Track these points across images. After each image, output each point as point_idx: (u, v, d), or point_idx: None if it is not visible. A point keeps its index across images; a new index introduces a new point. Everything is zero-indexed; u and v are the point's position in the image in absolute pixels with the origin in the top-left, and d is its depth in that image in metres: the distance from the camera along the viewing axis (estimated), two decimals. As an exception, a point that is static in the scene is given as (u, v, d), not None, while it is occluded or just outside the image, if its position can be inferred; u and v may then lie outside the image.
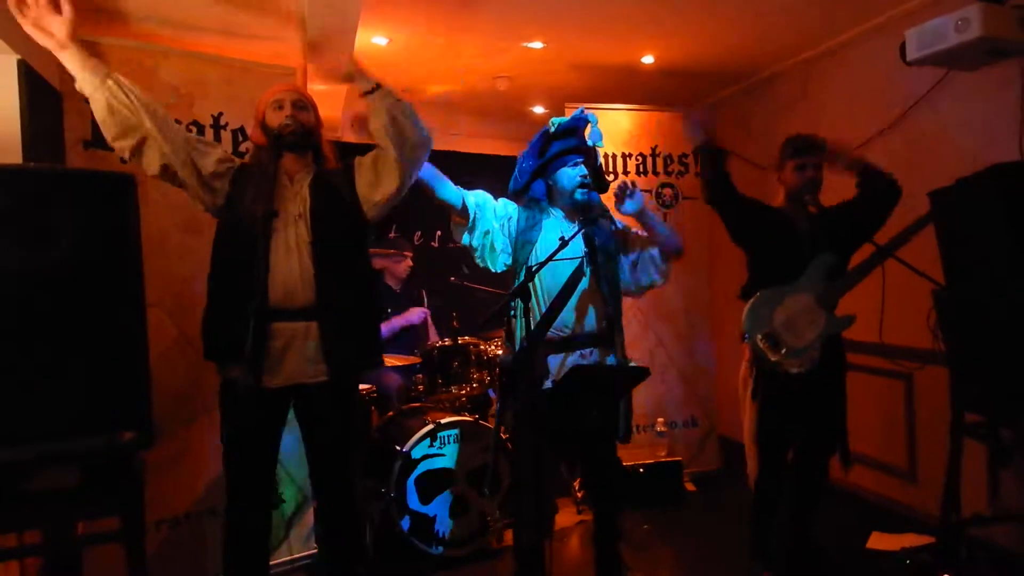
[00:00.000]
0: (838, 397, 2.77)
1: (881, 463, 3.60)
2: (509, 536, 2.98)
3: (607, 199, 2.63)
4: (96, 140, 2.64)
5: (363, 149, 2.37)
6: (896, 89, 3.43)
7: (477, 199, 2.54)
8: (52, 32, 1.96)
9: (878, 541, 3.11)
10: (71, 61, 2.02)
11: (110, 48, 2.65)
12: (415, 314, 4.14)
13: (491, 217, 2.54)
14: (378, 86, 2.23)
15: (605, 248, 2.57)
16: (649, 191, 4.14)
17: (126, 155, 2.13)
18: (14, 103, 2.37)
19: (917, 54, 2.62)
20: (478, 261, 2.60)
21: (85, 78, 2.03)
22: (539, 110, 5.28)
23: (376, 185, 2.30)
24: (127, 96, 2.06)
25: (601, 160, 2.76)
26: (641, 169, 4.15)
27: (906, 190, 2.70)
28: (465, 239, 2.56)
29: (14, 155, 2.35)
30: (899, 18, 3.32)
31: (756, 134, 4.44)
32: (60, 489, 1.83)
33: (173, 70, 2.81)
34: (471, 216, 2.51)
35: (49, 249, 1.76)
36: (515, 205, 2.62)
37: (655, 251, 2.68)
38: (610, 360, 2.57)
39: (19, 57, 2.38)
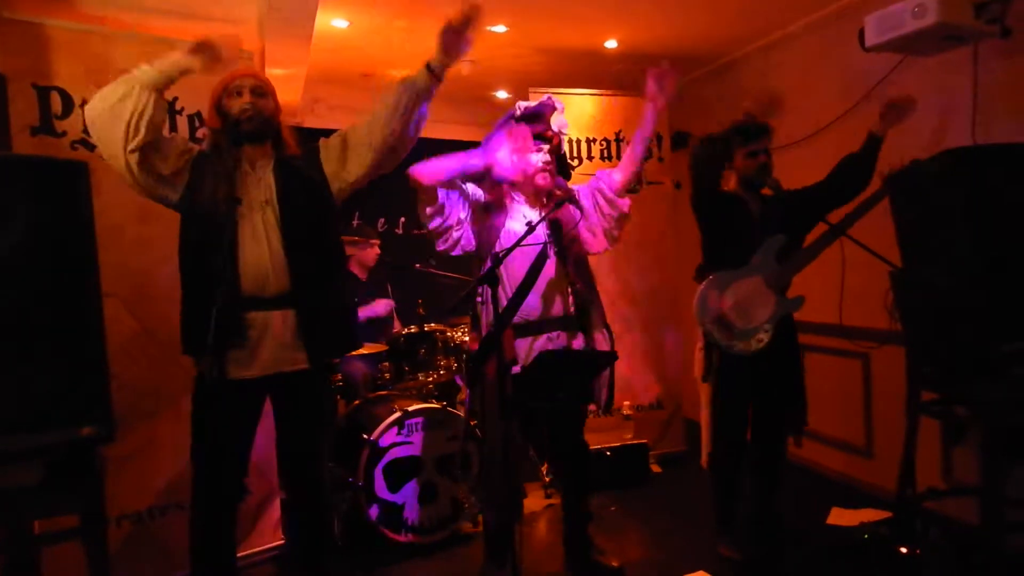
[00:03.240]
0: (795, 376, 2.83)
1: (839, 441, 3.70)
2: (479, 522, 2.98)
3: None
4: (44, 126, 2.55)
5: (325, 133, 2.34)
6: (854, 75, 3.48)
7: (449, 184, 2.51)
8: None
9: (838, 516, 3.20)
10: (177, 66, 2.06)
11: (56, 31, 2.55)
12: (381, 306, 4.09)
13: (461, 203, 2.52)
14: (441, 77, 2.21)
15: (571, 232, 2.58)
16: (613, 176, 4.15)
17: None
18: (-45, 87, 2.27)
19: (875, 40, 2.67)
20: (437, 244, 2.57)
21: (155, 79, 2.04)
22: (503, 95, 5.25)
23: (344, 164, 2.27)
24: (155, 112, 2.04)
25: (565, 147, 2.74)
26: (605, 154, 4.15)
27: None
28: (431, 223, 2.53)
29: (-43, 142, 2.25)
30: (857, 5, 3.37)
31: (719, 119, 4.47)
32: (18, 486, 1.78)
33: (125, 54, 2.69)
34: (441, 202, 2.48)
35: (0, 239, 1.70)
36: (481, 190, 2.61)
37: (606, 184, 2.67)
38: (577, 343, 2.58)
39: (-40, 39, 2.27)
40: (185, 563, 2.23)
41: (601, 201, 2.68)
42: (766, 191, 2.79)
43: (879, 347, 3.07)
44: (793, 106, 3.88)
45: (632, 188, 2.76)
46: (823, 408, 2.90)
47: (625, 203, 2.69)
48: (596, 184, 2.70)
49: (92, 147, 2.59)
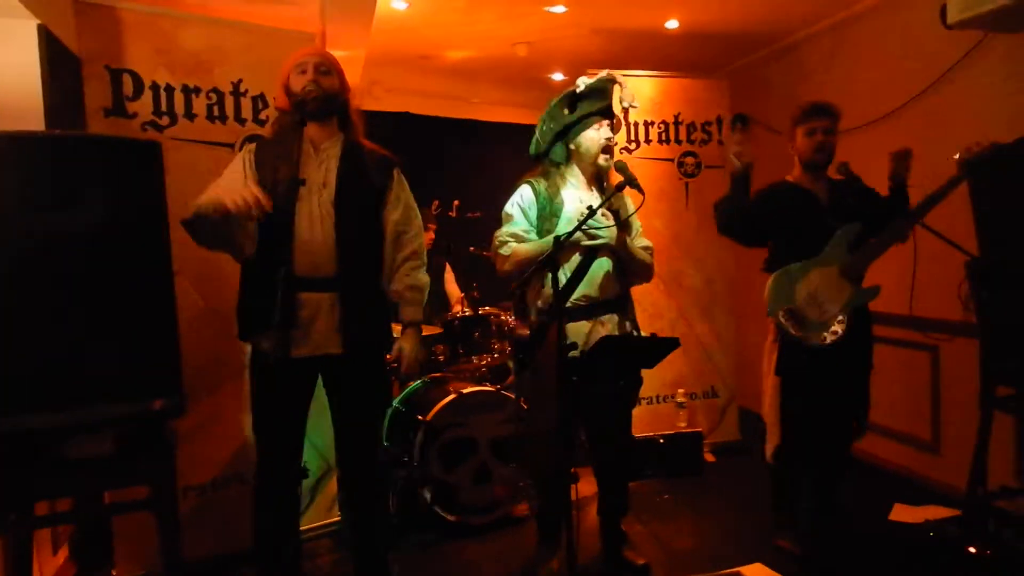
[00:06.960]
0: (864, 369, 2.74)
1: (904, 435, 3.58)
2: (531, 504, 2.99)
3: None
4: (116, 108, 2.62)
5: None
6: (928, 57, 3.33)
7: (518, 228, 2.54)
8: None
9: (901, 513, 3.10)
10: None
11: (128, 14, 2.60)
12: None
13: (530, 223, 2.56)
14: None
15: (626, 217, 2.55)
16: (671, 160, 4.08)
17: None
18: (35, 69, 2.36)
19: (960, 16, 2.54)
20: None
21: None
22: (559, 77, 5.20)
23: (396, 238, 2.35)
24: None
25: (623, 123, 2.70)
26: (663, 137, 4.07)
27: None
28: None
29: (36, 122, 2.34)
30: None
31: (777, 101, 4.35)
32: (93, 457, 1.85)
33: (193, 36, 2.76)
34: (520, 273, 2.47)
35: (77, 215, 1.76)
36: (530, 189, 2.57)
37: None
38: (626, 327, 2.56)
39: (39, 22, 2.34)
40: (246, 535, 2.29)
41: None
42: (836, 176, 2.68)
43: (950, 339, 2.95)
44: (861, 89, 3.74)
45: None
46: (887, 401, 2.80)
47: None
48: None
49: (161, 128, 2.67)
